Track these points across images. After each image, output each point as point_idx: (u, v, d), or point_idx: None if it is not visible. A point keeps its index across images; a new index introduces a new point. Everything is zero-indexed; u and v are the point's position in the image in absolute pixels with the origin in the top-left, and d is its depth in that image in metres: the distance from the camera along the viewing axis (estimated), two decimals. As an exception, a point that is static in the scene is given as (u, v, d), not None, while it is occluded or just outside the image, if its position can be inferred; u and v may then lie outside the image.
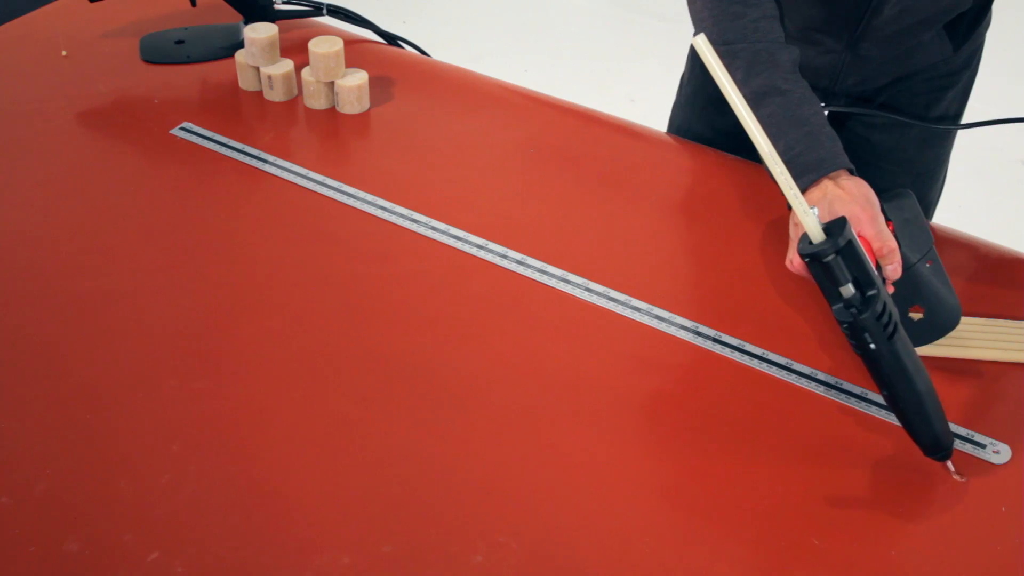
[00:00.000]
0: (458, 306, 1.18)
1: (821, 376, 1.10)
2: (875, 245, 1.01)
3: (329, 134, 1.45)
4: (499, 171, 1.39)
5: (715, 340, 1.14)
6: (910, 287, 1.07)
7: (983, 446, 1.03)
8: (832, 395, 1.08)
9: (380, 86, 1.52)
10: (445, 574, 0.92)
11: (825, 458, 1.02)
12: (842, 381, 1.09)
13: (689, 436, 1.04)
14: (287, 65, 1.48)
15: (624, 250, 1.26)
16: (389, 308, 1.17)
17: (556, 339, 1.14)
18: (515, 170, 1.39)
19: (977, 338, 1.13)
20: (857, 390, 1.09)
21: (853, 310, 0.91)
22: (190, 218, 1.29)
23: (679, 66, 1.60)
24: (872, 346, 0.92)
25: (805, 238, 0.90)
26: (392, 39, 1.65)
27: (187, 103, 1.48)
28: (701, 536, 0.96)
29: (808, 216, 0.89)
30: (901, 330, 0.93)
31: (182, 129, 1.43)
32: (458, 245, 1.25)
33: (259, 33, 1.46)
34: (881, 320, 0.91)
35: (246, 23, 1.54)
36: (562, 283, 1.20)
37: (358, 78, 1.46)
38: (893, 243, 1.01)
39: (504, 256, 1.24)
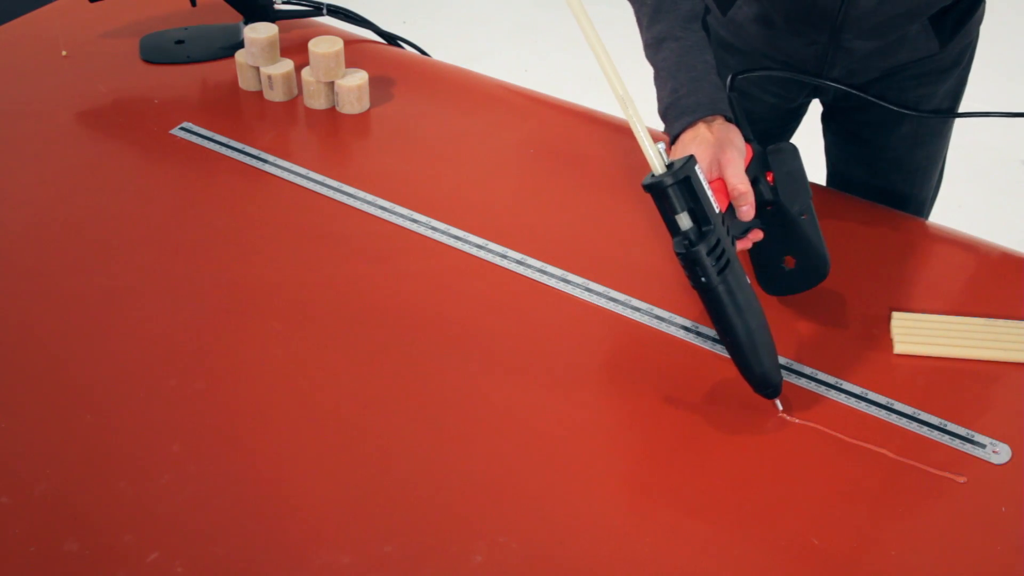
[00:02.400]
0: (458, 306, 1.18)
1: (822, 376, 1.10)
2: (729, 188, 1.05)
3: (329, 134, 1.45)
4: (499, 171, 1.39)
5: (715, 340, 1.14)
6: (785, 237, 1.12)
7: (983, 446, 1.03)
8: (832, 395, 1.08)
9: (380, 86, 1.52)
10: (445, 574, 0.92)
11: (825, 458, 1.02)
12: (842, 381, 1.09)
13: (689, 436, 1.04)
14: (287, 65, 1.48)
15: (624, 250, 1.26)
16: (389, 308, 1.17)
17: (556, 339, 1.14)
18: (515, 170, 1.39)
19: (977, 338, 1.13)
20: (857, 390, 1.09)
21: (686, 242, 0.98)
22: (190, 218, 1.29)
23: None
24: (703, 279, 0.99)
25: (650, 173, 0.99)
26: (392, 39, 1.65)
27: (187, 103, 1.48)
28: (701, 536, 0.96)
29: (650, 151, 0.97)
30: (736, 268, 1.00)
31: (182, 129, 1.43)
32: (458, 245, 1.25)
33: (259, 33, 1.46)
34: (713, 254, 0.98)
35: (246, 23, 1.54)
36: (562, 283, 1.20)
37: (358, 78, 1.46)
38: (745, 187, 1.04)
39: (504, 256, 1.24)
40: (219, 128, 1.43)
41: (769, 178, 1.10)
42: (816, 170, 1.54)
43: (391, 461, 1.01)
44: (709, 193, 0.99)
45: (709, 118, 1.07)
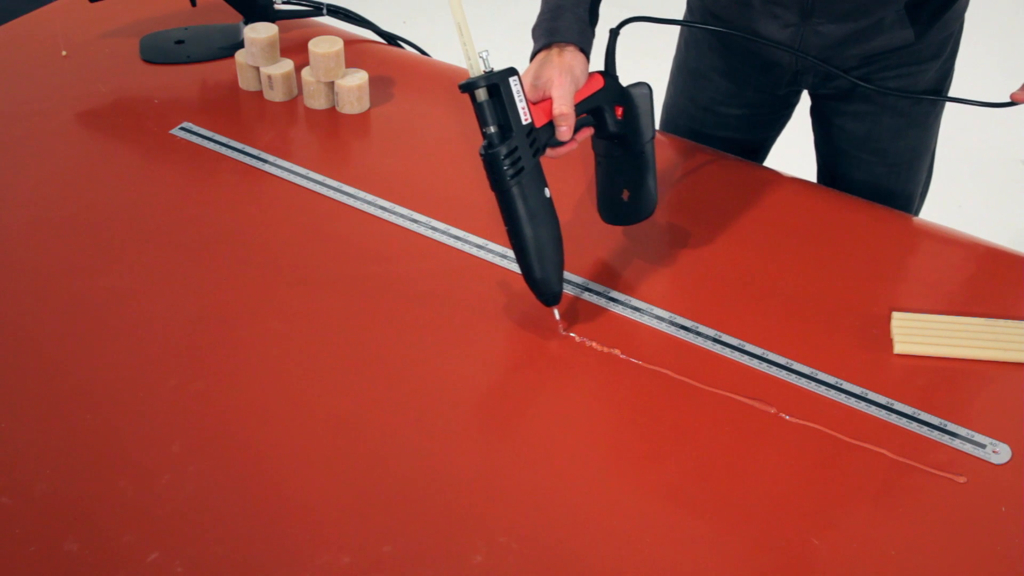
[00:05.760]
0: (459, 306, 1.18)
1: (822, 376, 1.10)
2: (553, 106, 1.10)
3: (329, 134, 1.45)
4: (499, 171, 1.39)
5: (715, 340, 1.14)
6: (624, 170, 1.20)
7: (983, 446, 1.03)
8: (832, 395, 1.08)
9: (380, 86, 1.52)
10: (445, 574, 0.92)
11: (825, 458, 1.02)
12: (842, 381, 1.09)
13: (688, 435, 1.04)
14: (287, 65, 1.48)
15: (623, 250, 1.26)
16: (389, 308, 1.17)
17: (556, 339, 1.14)
18: (515, 170, 1.39)
19: (977, 338, 1.13)
20: (857, 390, 1.09)
21: (487, 144, 1.05)
22: (190, 218, 1.29)
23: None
24: (498, 181, 1.06)
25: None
26: (392, 39, 1.65)
27: (187, 103, 1.48)
28: (701, 536, 0.96)
29: (472, 58, 1.04)
30: (533, 177, 1.07)
31: (182, 129, 1.43)
32: (458, 245, 1.25)
33: (259, 33, 1.46)
34: (510, 158, 1.05)
35: (246, 23, 1.54)
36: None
37: (358, 78, 1.46)
38: (567, 109, 1.09)
39: (504, 256, 1.24)
40: (219, 128, 1.43)
41: (619, 113, 1.16)
42: (810, 169, 1.54)
43: (391, 461, 1.01)
44: (520, 104, 1.05)
45: (561, 44, 1.12)
